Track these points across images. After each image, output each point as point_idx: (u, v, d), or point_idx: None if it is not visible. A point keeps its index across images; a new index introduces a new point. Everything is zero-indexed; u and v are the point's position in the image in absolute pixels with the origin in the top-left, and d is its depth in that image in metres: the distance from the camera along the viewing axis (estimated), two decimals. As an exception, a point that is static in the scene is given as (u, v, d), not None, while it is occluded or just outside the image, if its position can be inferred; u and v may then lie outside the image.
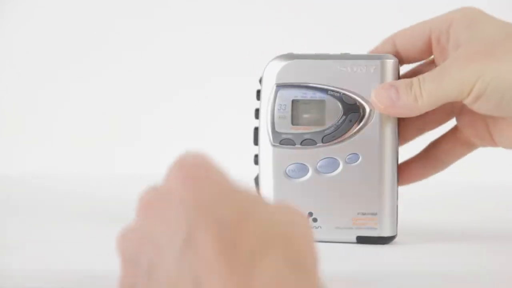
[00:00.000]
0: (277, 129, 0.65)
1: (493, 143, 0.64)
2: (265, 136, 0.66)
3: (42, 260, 0.58)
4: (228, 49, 1.35)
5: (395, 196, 0.64)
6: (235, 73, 1.27)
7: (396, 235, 0.65)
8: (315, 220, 0.65)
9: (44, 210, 0.88)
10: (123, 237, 0.40)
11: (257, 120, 0.66)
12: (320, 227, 0.65)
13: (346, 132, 0.64)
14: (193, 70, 1.35)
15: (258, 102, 0.66)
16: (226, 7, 1.36)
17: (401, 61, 0.65)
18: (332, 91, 0.64)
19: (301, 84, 0.64)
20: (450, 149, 0.66)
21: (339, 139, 0.64)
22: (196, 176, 0.38)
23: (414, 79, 0.60)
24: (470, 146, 0.66)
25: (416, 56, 0.64)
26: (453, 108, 0.66)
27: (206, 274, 0.36)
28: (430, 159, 0.67)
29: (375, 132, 0.64)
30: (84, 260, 0.58)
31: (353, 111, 0.64)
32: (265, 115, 0.65)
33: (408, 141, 0.68)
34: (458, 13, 0.61)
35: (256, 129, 0.66)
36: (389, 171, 0.64)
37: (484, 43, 0.59)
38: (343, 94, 0.64)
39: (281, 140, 0.65)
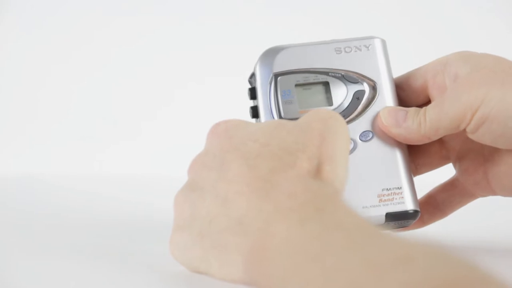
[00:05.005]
0: (284, 115, 0.62)
1: (491, 190, 0.63)
2: None
3: (41, 262, 0.58)
4: (228, 49, 1.36)
5: (410, 169, 0.63)
6: (235, 73, 1.27)
7: (419, 211, 0.63)
8: None
9: (44, 210, 0.88)
10: (192, 163, 0.50)
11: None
12: None
13: (355, 110, 0.63)
14: (193, 69, 1.35)
15: (252, 101, 0.64)
16: (225, 7, 1.37)
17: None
18: (333, 72, 0.63)
19: (300, 70, 0.63)
20: (448, 198, 0.65)
21: (349, 118, 0.62)
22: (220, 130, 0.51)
23: (422, 108, 0.60)
24: (468, 196, 0.64)
25: (412, 99, 0.63)
26: (448, 152, 0.65)
27: (231, 191, 0.45)
28: (429, 208, 0.65)
29: (382, 106, 0.63)
30: (83, 262, 0.58)
31: (358, 89, 0.63)
32: (267, 105, 0.62)
33: None
34: (453, 54, 0.61)
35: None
36: (402, 144, 0.63)
37: (486, 71, 0.58)
38: (345, 74, 0.63)
39: None
